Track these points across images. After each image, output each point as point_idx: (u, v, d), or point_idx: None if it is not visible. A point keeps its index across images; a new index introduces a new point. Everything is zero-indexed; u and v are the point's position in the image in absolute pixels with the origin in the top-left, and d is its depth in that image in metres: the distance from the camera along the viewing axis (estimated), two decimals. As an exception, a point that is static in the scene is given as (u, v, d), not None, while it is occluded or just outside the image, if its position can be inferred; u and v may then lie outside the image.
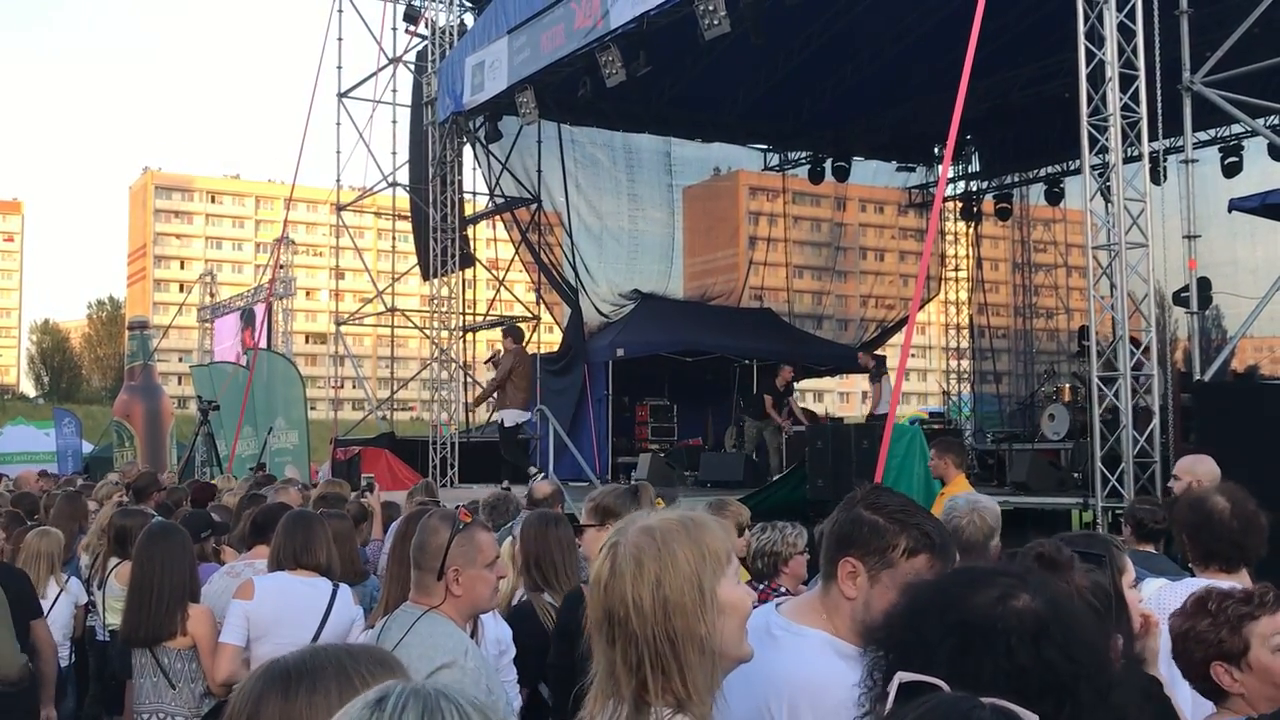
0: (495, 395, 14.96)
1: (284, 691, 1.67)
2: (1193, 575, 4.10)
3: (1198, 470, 6.55)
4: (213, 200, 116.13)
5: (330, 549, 5.16)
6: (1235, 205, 11.91)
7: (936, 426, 21.68)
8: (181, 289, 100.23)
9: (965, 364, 25.70)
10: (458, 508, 4.02)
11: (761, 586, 5.48)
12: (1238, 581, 3.84)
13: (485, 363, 15.95)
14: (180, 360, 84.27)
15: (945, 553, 2.52)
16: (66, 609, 7.10)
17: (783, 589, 5.42)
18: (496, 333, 25.22)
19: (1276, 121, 16.61)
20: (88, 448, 34.57)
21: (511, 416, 14.82)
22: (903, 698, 1.57)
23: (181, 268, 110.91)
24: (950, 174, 23.67)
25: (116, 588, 7.35)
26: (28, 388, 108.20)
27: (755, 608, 5.18)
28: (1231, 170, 18.39)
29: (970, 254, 25.38)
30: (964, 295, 25.77)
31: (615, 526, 2.31)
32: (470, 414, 22.16)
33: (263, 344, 25.15)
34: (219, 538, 6.98)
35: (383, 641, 3.40)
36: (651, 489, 6.02)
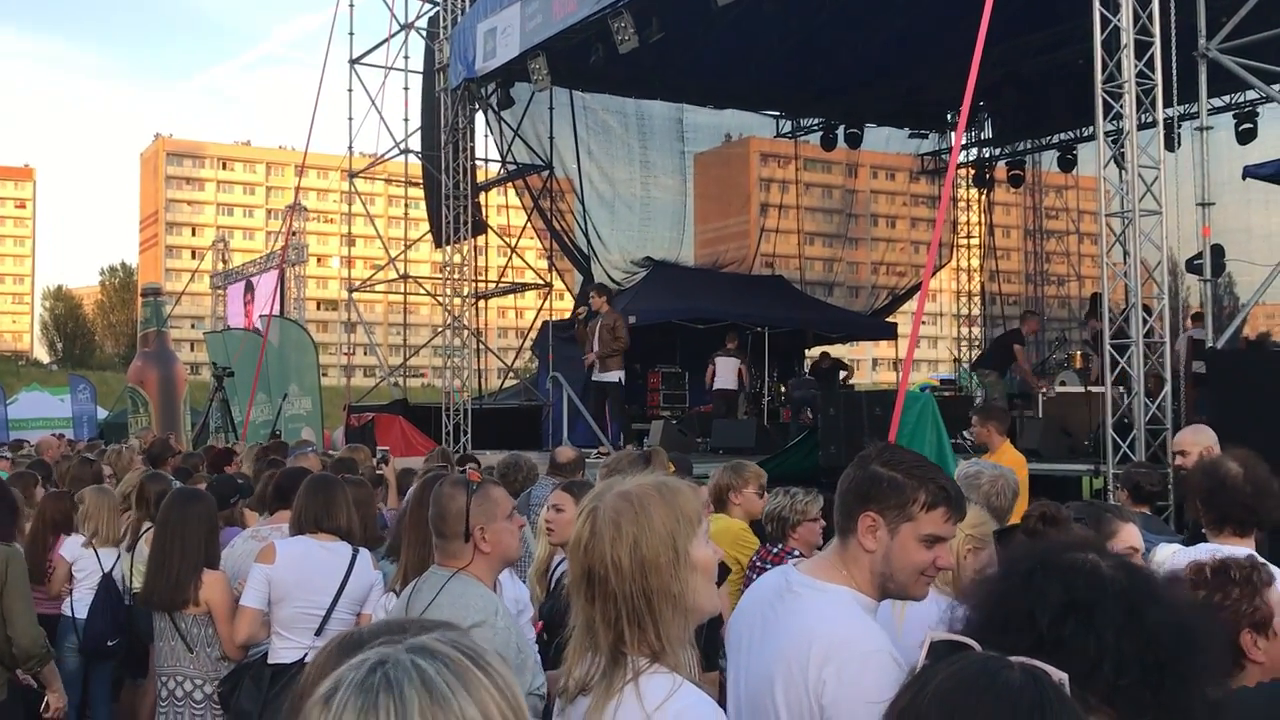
0: (597, 356, 14.91)
1: None
2: (1204, 540, 4.14)
3: (1201, 440, 6.64)
4: (224, 167, 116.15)
5: (351, 513, 5.24)
6: (1250, 172, 11.89)
7: (948, 394, 21.76)
8: (193, 255, 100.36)
9: (976, 331, 25.69)
10: (464, 470, 4.10)
11: (776, 549, 5.54)
12: (1250, 544, 3.89)
13: (574, 316, 15.86)
14: (193, 327, 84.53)
15: (960, 506, 2.60)
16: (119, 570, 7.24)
17: (796, 552, 5.47)
18: (509, 299, 25.30)
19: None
20: (102, 414, 34.80)
21: (617, 376, 14.81)
22: (933, 656, 1.62)
23: (193, 234, 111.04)
24: (963, 140, 23.58)
25: (147, 552, 7.48)
26: (41, 354, 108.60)
27: (768, 570, 5.26)
28: (1246, 137, 18.30)
29: (982, 221, 25.34)
30: (975, 262, 25.74)
31: (593, 491, 2.41)
32: (483, 380, 22.26)
33: (276, 311, 25.20)
34: (244, 501, 7.08)
35: (413, 604, 3.48)
36: (664, 454, 6.09)
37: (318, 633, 4.99)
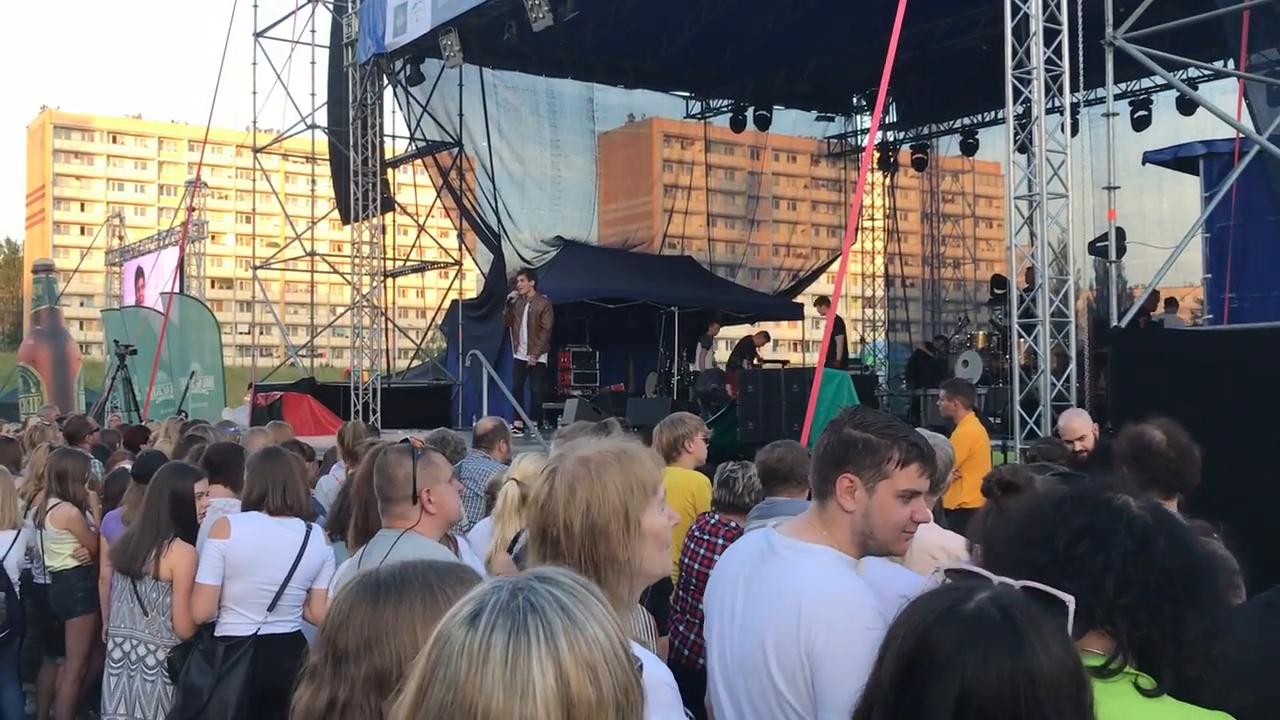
0: (524, 337, 15.08)
1: (373, 602, 1.81)
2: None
3: (1078, 425, 7.09)
4: (114, 141, 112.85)
5: (304, 489, 5.29)
6: (1149, 158, 12.30)
7: (855, 372, 22.13)
8: (83, 231, 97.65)
9: (880, 312, 26.15)
10: (404, 440, 4.19)
11: (715, 519, 5.66)
12: (1172, 508, 4.11)
13: (491, 297, 16.09)
14: (82, 305, 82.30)
15: (931, 461, 2.73)
16: (22, 550, 7.10)
17: (732, 523, 5.61)
18: (417, 278, 25.08)
19: (1184, 76, 17.12)
20: (-9, 393, 33.83)
21: (540, 359, 15.01)
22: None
23: (82, 210, 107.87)
24: (867, 124, 23.98)
25: (52, 530, 7.35)
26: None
27: (706, 539, 5.36)
28: (1141, 124, 18.92)
29: (885, 204, 25.77)
30: (878, 245, 26.18)
31: (555, 453, 2.49)
32: (390, 360, 22.11)
33: (176, 289, 24.72)
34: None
35: (365, 563, 3.53)
36: (617, 424, 6.19)
37: (270, 608, 5.03)
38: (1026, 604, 1.62)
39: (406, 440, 4.07)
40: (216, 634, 5.05)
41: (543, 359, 15.13)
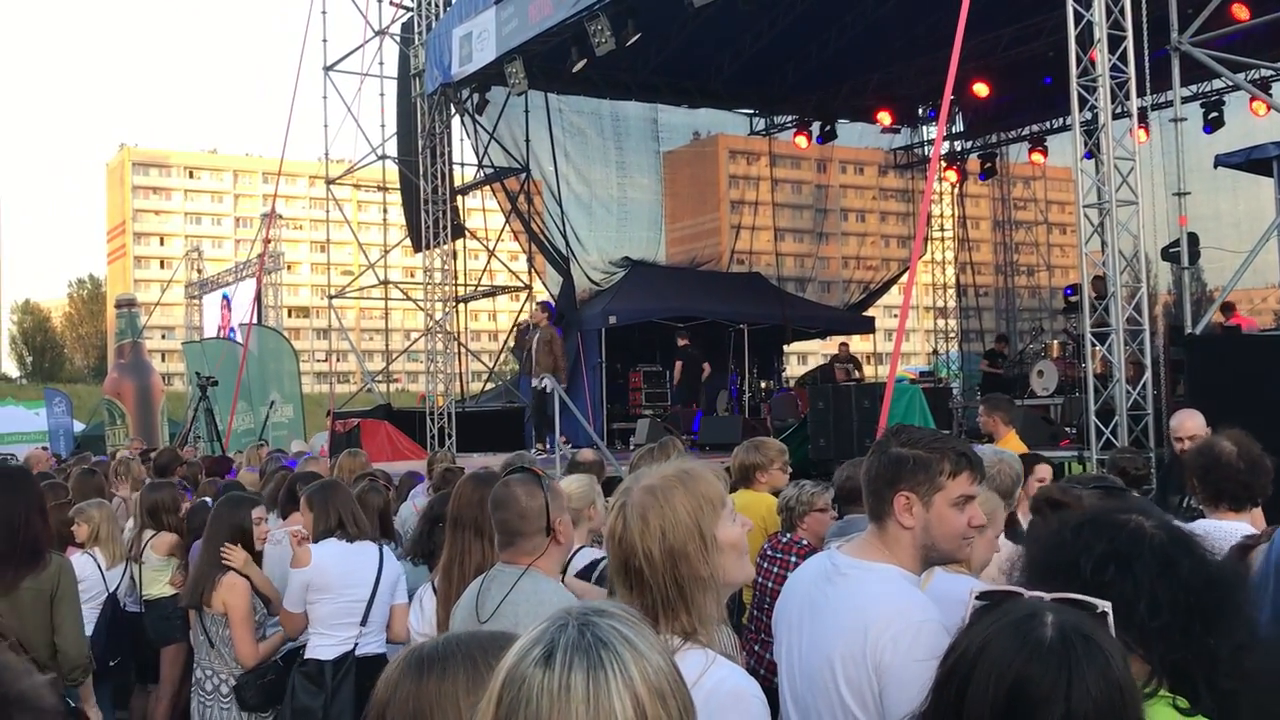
0: (535, 364, 15.48)
1: (416, 676, 1.86)
2: (1201, 517, 4.31)
3: (1190, 425, 6.90)
4: (190, 176, 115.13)
5: (369, 513, 5.58)
6: (1221, 161, 12.09)
7: (928, 385, 21.95)
8: (162, 265, 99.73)
9: (952, 323, 25.87)
10: (523, 469, 4.15)
11: (786, 539, 5.70)
12: (1246, 520, 4.08)
13: (514, 329, 16.42)
14: (164, 337, 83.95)
15: (980, 467, 2.79)
16: (127, 581, 7.33)
17: (804, 541, 5.64)
18: (488, 302, 25.34)
19: (1256, 75, 16.85)
20: (78, 427, 34.62)
21: (549, 382, 15.29)
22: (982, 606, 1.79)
23: (161, 244, 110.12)
24: (934, 135, 23.83)
25: (154, 558, 7.55)
26: (10, 368, 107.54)
27: (778, 558, 5.40)
28: (1213, 125, 18.61)
29: (954, 213, 25.56)
30: (948, 254, 25.94)
31: (620, 486, 2.57)
32: (463, 384, 22.35)
33: (254, 319, 25.20)
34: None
35: (483, 601, 3.50)
36: (679, 443, 6.26)
37: (363, 623, 5.24)
38: (1083, 622, 1.65)
39: (527, 469, 3.97)
40: (306, 656, 5.23)
41: (551, 384, 15.46)
